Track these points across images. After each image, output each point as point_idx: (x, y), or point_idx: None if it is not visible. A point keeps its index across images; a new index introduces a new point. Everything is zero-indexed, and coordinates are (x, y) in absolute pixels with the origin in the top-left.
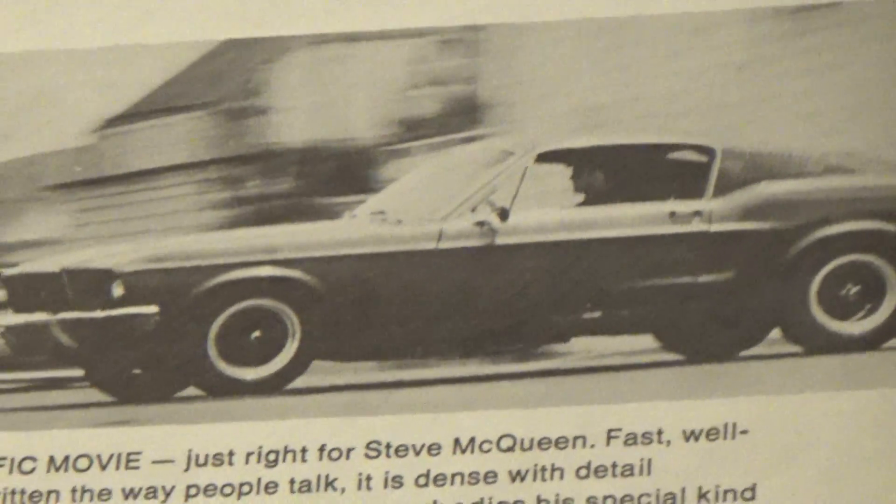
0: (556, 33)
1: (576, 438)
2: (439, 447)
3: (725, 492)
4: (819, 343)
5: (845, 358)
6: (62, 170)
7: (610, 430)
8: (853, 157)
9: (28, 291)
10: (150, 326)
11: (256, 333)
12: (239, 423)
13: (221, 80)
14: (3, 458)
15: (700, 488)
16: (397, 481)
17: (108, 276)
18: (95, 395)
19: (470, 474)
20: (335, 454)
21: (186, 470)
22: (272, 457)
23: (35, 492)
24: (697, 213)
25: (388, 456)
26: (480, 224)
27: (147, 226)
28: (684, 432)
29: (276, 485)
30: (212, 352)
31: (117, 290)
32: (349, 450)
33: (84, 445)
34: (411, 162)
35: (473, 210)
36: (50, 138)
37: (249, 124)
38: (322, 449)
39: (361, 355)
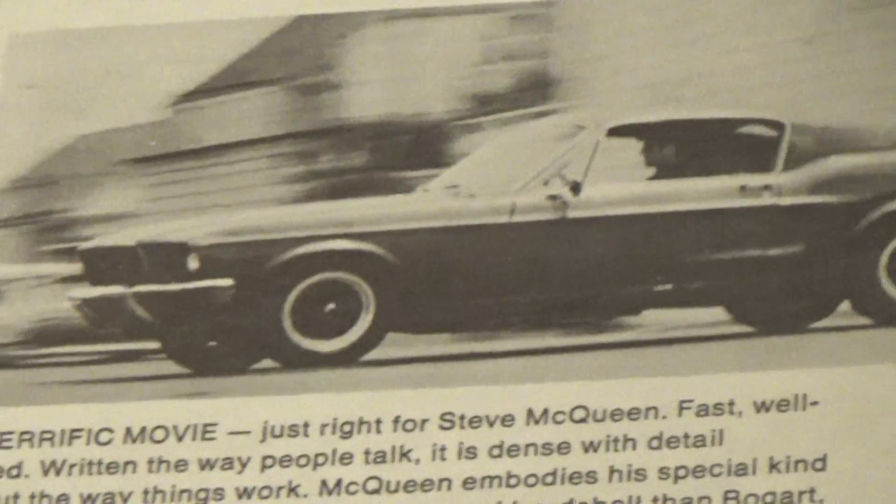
0: (628, 8)
1: (648, 409)
2: (513, 418)
3: (796, 462)
4: (888, 315)
5: None
6: (137, 144)
7: (682, 402)
8: None
9: (104, 265)
10: (225, 299)
11: (331, 306)
12: (314, 394)
13: (295, 55)
14: (81, 430)
15: (771, 458)
16: (471, 452)
17: (183, 249)
18: (171, 367)
19: (543, 445)
20: (410, 425)
21: (262, 441)
22: (347, 428)
23: (112, 462)
24: (767, 187)
25: (462, 427)
26: (553, 198)
27: (221, 200)
28: (755, 403)
29: (352, 455)
30: (287, 324)
31: (193, 264)
32: (424, 421)
33: (160, 417)
34: (484, 136)
35: (546, 184)
36: (125, 113)
37: (323, 99)
38: (397, 420)
39: (435, 328)
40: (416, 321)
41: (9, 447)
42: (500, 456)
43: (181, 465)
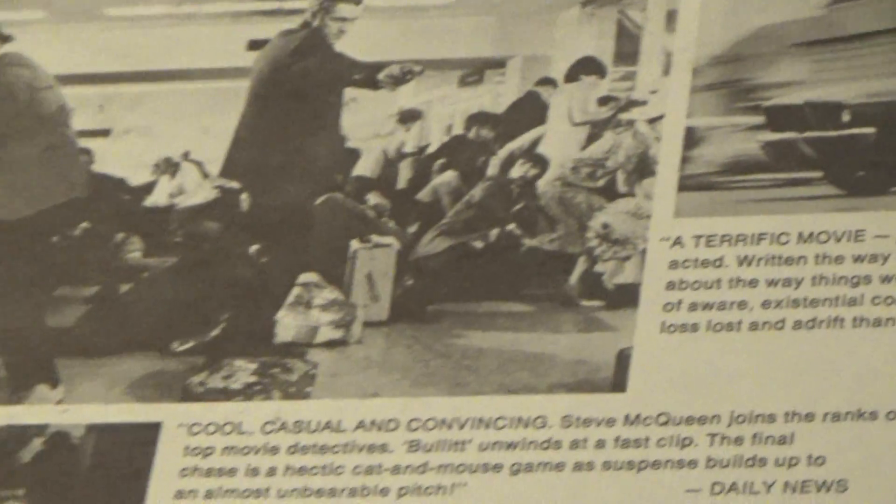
0: None
1: None
2: None
3: None
4: None
5: None
6: (803, 32)
7: None
8: None
9: (781, 117)
10: (869, 142)
11: None
12: None
13: None
14: (766, 233)
15: None
16: None
17: (839, 106)
18: (831, 189)
19: None
20: None
21: None
22: None
23: (788, 259)
24: None
25: None
26: None
27: (864, 73)
28: None
29: None
30: None
31: (846, 117)
32: None
33: (823, 224)
34: None
35: None
36: (791, 10)
37: None
38: None
39: None
40: None
41: (713, 246)
42: None
43: (839, 259)
